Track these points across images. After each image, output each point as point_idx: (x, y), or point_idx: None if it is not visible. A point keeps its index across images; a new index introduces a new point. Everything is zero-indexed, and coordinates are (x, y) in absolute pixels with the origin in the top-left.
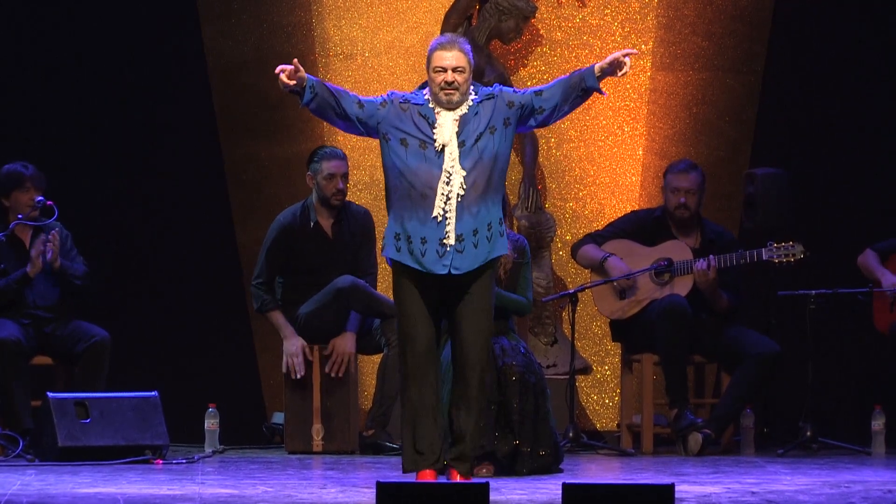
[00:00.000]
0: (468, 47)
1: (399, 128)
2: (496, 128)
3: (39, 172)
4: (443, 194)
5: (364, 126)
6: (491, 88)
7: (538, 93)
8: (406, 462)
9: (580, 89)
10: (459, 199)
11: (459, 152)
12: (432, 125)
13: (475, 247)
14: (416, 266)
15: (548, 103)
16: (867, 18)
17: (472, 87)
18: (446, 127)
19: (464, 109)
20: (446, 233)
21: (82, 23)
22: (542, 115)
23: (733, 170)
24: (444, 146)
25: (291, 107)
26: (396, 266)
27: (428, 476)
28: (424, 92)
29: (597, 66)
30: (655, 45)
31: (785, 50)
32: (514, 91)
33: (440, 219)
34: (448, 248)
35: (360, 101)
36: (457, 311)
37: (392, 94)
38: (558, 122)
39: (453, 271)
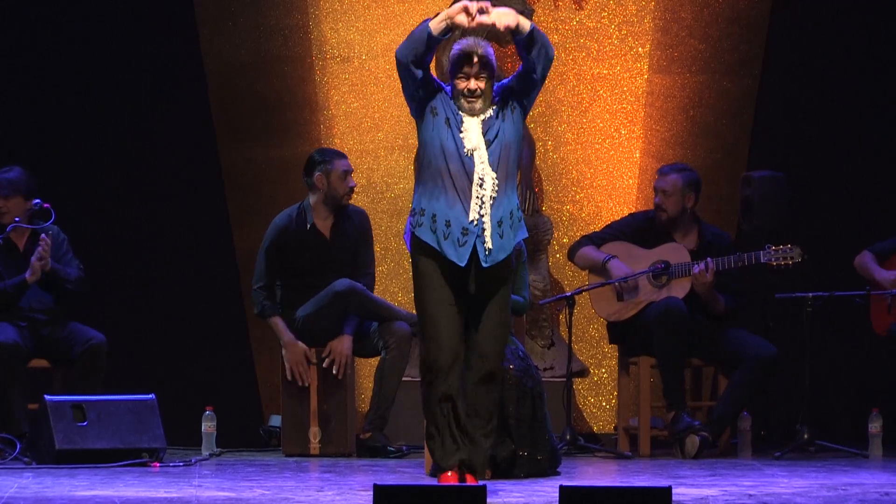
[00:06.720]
0: (491, 51)
1: (445, 110)
2: (506, 115)
3: (28, 175)
4: (478, 198)
5: (424, 89)
6: (500, 85)
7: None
8: (430, 464)
9: (520, 46)
10: (492, 201)
11: (487, 154)
12: (460, 128)
13: (501, 237)
14: (437, 247)
15: (522, 67)
16: (864, 21)
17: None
18: (473, 131)
19: (488, 113)
20: (484, 238)
21: (79, 25)
22: (525, 78)
23: (730, 172)
24: (473, 150)
25: (289, 109)
26: (417, 250)
27: (451, 479)
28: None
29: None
30: (652, 47)
31: (782, 52)
32: (507, 81)
33: (476, 223)
34: (479, 246)
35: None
36: (476, 307)
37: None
38: (555, 125)
39: (483, 264)
